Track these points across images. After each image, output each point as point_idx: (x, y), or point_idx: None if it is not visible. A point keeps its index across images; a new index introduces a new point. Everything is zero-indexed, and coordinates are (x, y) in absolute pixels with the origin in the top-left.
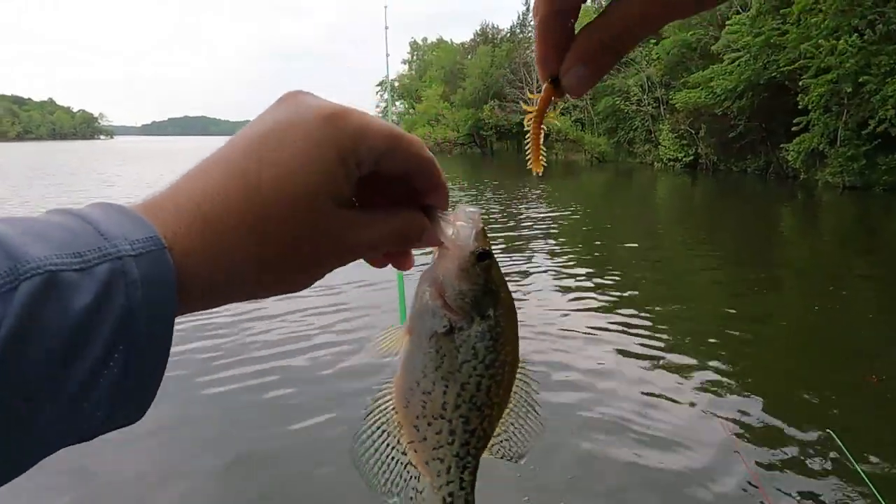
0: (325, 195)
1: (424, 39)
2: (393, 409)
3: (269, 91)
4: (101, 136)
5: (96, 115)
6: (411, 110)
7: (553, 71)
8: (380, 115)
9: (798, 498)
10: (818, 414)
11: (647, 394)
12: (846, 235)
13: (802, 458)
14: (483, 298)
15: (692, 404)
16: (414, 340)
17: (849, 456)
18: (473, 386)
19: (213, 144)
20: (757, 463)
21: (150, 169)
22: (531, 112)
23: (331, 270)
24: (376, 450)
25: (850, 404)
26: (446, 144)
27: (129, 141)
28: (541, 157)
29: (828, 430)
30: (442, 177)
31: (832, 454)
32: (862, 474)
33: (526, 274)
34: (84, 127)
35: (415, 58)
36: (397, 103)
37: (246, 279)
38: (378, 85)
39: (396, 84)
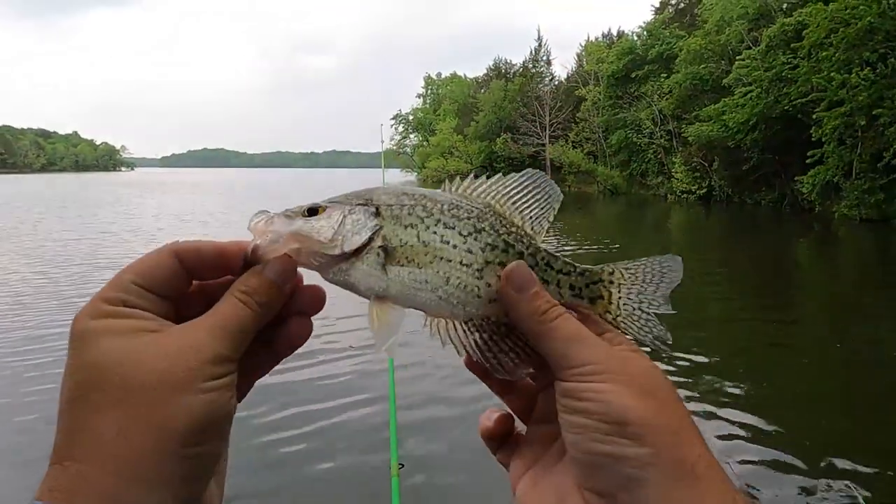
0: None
1: (438, 74)
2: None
3: (287, 124)
4: (123, 168)
5: (118, 147)
6: (425, 143)
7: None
8: (394, 147)
9: None
10: (837, 462)
11: None
12: (865, 269)
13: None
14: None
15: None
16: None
17: (858, 493)
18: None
19: (230, 176)
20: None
21: (172, 199)
22: None
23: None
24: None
25: (873, 451)
26: (459, 177)
27: (150, 172)
28: None
29: (847, 483)
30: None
31: (840, 490)
32: None
33: None
34: (106, 159)
35: (429, 92)
36: (412, 136)
37: None
38: (392, 118)
39: (411, 118)
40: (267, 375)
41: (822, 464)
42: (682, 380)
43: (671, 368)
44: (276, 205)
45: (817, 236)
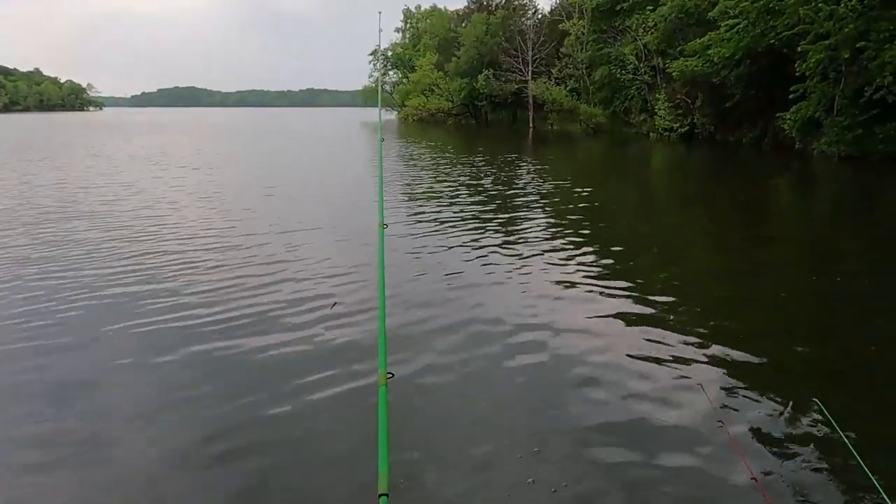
0: None
1: (418, 7)
2: None
3: (261, 62)
4: (91, 108)
5: (84, 85)
6: (405, 80)
7: None
8: (373, 85)
9: (781, 461)
10: (806, 380)
11: (632, 356)
12: (842, 205)
13: (786, 423)
14: None
15: (676, 365)
16: None
17: (833, 424)
18: None
19: (204, 116)
20: (737, 426)
21: (143, 141)
22: None
23: None
24: None
25: (839, 373)
26: (441, 115)
27: (120, 112)
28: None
29: (813, 399)
30: None
31: (817, 421)
32: (845, 440)
33: (523, 240)
34: (73, 98)
35: (408, 26)
36: (391, 72)
37: None
38: (370, 54)
39: (390, 53)
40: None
41: (795, 388)
42: (658, 312)
43: (648, 301)
44: (249, 143)
45: (796, 173)
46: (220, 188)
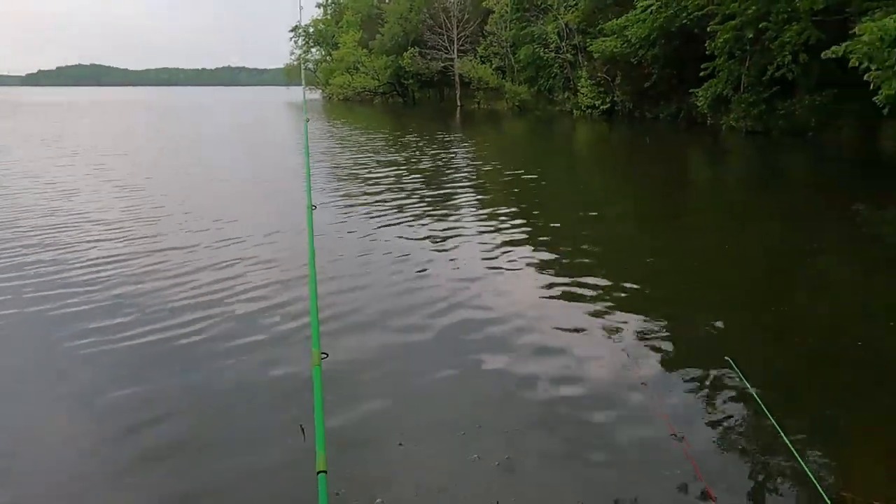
0: None
1: None
2: None
3: (173, 38)
4: None
5: None
6: (329, 58)
7: None
8: (296, 63)
9: (700, 420)
10: (720, 342)
11: (560, 328)
12: (749, 176)
13: (702, 382)
14: None
15: (603, 333)
16: None
17: (745, 381)
18: None
19: (108, 96)
20: (658, 387)
21: (33, 124)
22: None
23: None
24: None
25: (751, 334)
26: (367, 93)
27: (12, 92)
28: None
29: (726, 358)
30: None
31: (730, 379)
32: (756, 398)
33: (453, 219)
34: None
35: (330, 1)
36: (313, 50)
37: None
38: (291, 31)
39: (311, 30)
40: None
41: (711, 350)
42: (583, 282)
43: (573, 272)
44: (161, 126)
45: (708, 148)
46: (133, 175)
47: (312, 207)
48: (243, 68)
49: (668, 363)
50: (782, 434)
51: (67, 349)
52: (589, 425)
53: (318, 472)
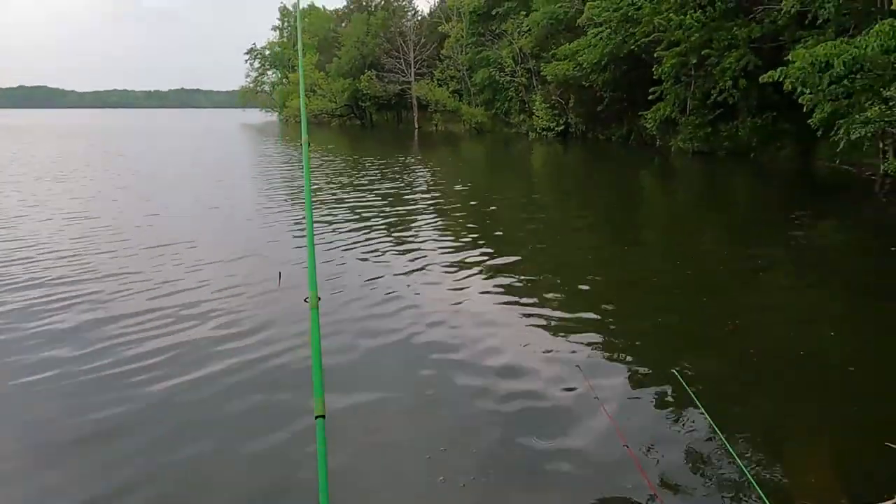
0: None
1: (295, 5)
2: None
3: (128, 58)
4: None
5: None
6: (285, 80)
7: None
8: (251, 85)
9: (649, 430)
10: (671, 355)
11: (525, 344)
12: (698, 195)
13: (651, 396)
14: None
15: (558, 350)
16: None
17: (690, 393)
18: None
19: (57, 120)
20: (612, 401)
21: None
22: None
23: None
24: None
25: (699, 346)
26: (324, 116)
27: None
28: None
29: (673, 371)
30: None
31: (678, 390)
32: (704, 412)
33: (413, 240)
34: None
35: (286, 24)
36: (269, 72)
37: None
38: (247, 53)
39: (267, 52)
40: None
41: (661, 362)
42: (533, 309)
43: (531, 291)
44: (115, 149)
45: (658, 167)
46: (89, 203)
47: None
48: (199, 90)
49: (620, 375)
50: (726, 444)
51: (21, 383)
52: (544, 438)
53: (317, 417)
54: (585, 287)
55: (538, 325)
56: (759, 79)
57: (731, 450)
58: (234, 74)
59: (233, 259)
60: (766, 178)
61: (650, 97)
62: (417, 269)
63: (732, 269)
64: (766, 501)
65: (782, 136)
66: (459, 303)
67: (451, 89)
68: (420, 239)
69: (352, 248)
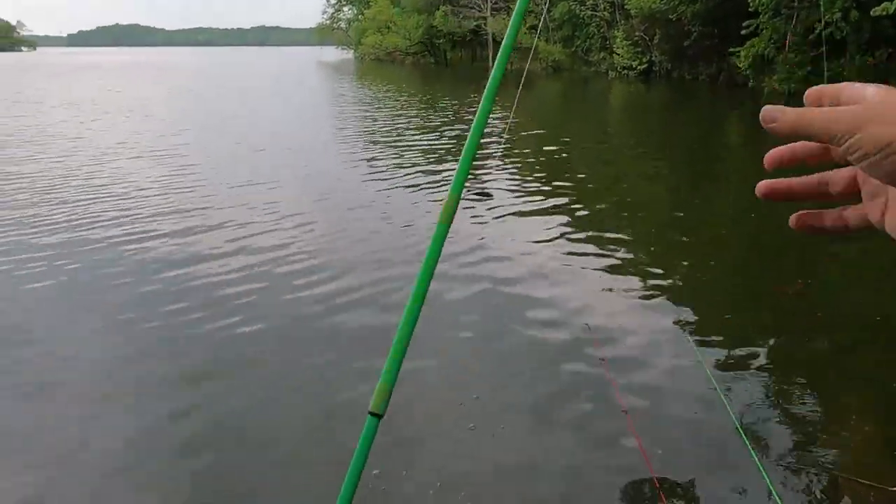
0: None
1: None
2: None
3: None
4: (24, 48)
5: (13, 23)
6: (360, 16)
7: None
8: (327, 22)
9: (648, 393)
10: (731, 317)
11: (592, 289)
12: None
13: (656, 355)
14: None
15: (631, 295)
16: None
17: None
18: None
19: (148, 58)
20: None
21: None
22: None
23: None
24: None
25: (765, 310)
26: (397, 54)
27: (54, 53)
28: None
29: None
30: None
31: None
32: (768, 375)
33: (482, 180)
34: (0, 38)
35: None
36: (345, 9)
37: None
38: None
39: None
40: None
41: (726, 324)
42: (600, 260)
43: (599, 240)
44: (213, 90)
45: (748, 111)
46: (178, 139)
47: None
48: (277, 27)
49: (617, 330)
50: (732, 414)
51: (117, 320)
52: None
53: (372, 414)
54: (650, 232)
55: (595, 270)
56: (872, 11)
57: (735, 420)
58: (311, 13)
59: (319, 200)
60: None
61: (744, 32)
62: (491, 216)
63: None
64: (763, 471)
65: None
66: (528, 251)
67: (528, 25)
68: (493, 185)
69: (421, 189)
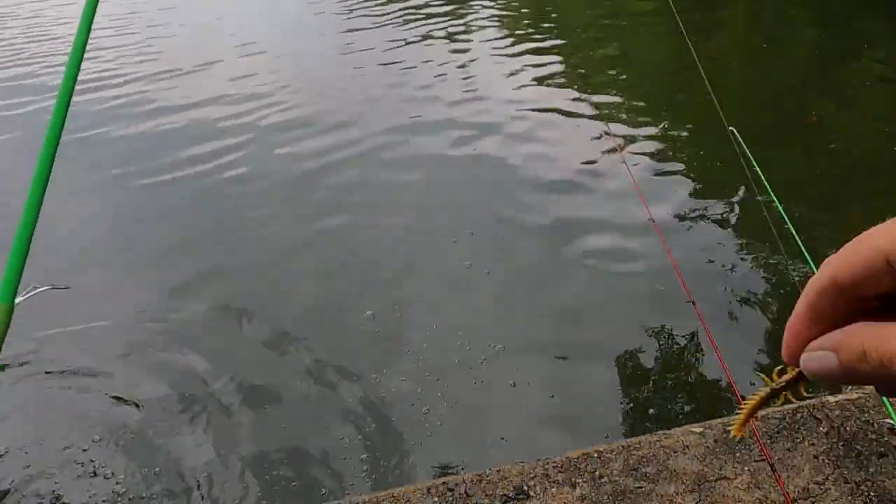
0: None
1: None
2: None
3: None
4: None
5: None
6: None
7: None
8: None
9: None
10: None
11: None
12: None
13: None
14: None
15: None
16: None
17: (749, 155)
18: None
19: None
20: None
21: None
22: (769, 386)
23: None
24: None
25: (779, 144)
26: None
27: None
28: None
29: (731, 128)
30: None
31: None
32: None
33: (464, 33)
34: None
35: None
36: None
37: None
38: None
39: None
40: None
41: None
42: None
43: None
44: None
45: None
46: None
47: None
48: None
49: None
50: (777, 204)
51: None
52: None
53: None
54: (656, 61)
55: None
56: None
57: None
58: None
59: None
60: None
61: None
62: (465, 58)
63: (826, 47)
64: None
65: None
66: (511, 94)
67: None
68: (472, 29)
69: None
